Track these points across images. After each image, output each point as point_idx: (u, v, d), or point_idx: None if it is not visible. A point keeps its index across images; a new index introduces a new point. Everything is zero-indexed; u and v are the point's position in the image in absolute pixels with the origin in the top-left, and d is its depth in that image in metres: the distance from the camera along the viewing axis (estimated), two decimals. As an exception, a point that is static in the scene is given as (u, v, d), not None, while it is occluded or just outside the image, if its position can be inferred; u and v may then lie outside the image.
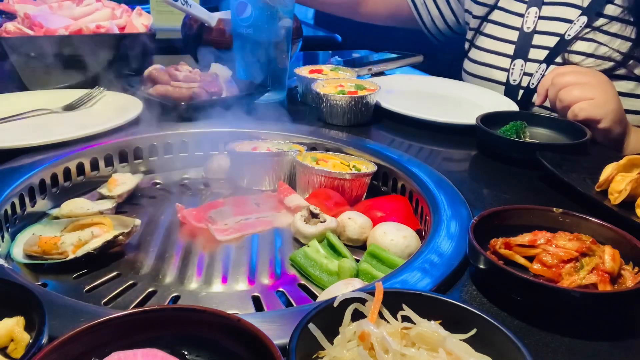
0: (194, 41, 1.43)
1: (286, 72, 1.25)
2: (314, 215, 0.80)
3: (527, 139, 1.03)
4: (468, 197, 0.82)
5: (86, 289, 0.69)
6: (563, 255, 0.62)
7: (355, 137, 1.04)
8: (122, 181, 0.90)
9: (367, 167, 0.91)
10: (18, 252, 0.73)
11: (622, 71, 1.19)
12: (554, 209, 0.69)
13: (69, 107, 1.12)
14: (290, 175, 0.96)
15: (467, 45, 1.49)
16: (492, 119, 1.03)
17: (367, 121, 1.15)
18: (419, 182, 0.86)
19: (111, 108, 1.10)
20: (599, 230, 0.66)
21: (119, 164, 0.97)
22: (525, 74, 1.30)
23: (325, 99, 1.12)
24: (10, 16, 1.31)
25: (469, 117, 1.06)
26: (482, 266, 0.61)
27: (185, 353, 0.46)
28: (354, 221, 0.80)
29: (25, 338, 0.47)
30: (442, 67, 1.57)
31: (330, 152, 0.96)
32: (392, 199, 0.89)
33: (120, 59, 1.26)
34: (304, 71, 1.29)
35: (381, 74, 1.47)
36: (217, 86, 1.12)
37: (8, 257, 0.73)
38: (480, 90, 1.35)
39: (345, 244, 0.78)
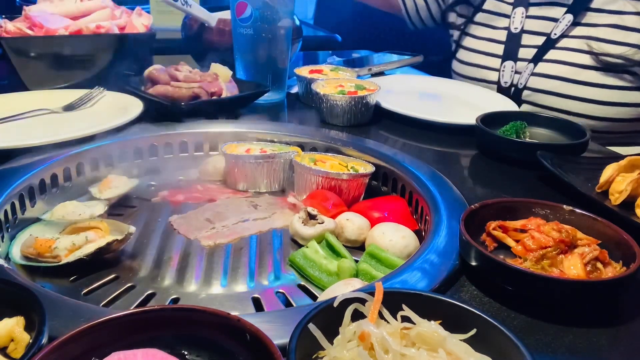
0: (194, 41, 1.43)
1: (286, 72, 1.25)
2: (312, 217, 0.80)
3: (527, 139, 1.03)
4: (468, 198, 0.82)
5: (84, 291, 0.68)
6: (543, 242, 0.63)
7: (355, 137, 1.04)
8: (115, 185, 0.89)
9: (365, 168, 0.91)
10: (16, 252, 0.73)
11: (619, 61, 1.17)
12: (564, 206, 0.69)
13: (69, 107, 1.12)
14: (286, 177, 0.96)
15: (453, 46, 1.49)
16: (492, 119, 1.03)
17: (367, 121, 1.15)
18: (419, 183, 0.86)
19: (111, 108, 1.10)
20: (597, 227, 0.67)
21: (118, 164, 0.97)
22: (516, 72, 1.31)
23: (325, 99, 1.11)
24: (11, 16, 1.31)
25: (469, 117, 1.06)
26: (465, 248, 0.64)
27: (185, 353, 0.46)
28: (352, 222, 0.80)
29: (25, 338, 0.47)
30: (441, 67, 1.58)
31: (329, 154, 0.96)
32: (389, 200, 0.88)
33: (120, 59, 1.26)
34: (304, 71, 1.29)
35: (381, 74, 1.47)
36: (217, 86, 1.12)
37: (8, 257, 0.73)
38: (480, 90, 1.35)
39: (343, 245, 0.78)
